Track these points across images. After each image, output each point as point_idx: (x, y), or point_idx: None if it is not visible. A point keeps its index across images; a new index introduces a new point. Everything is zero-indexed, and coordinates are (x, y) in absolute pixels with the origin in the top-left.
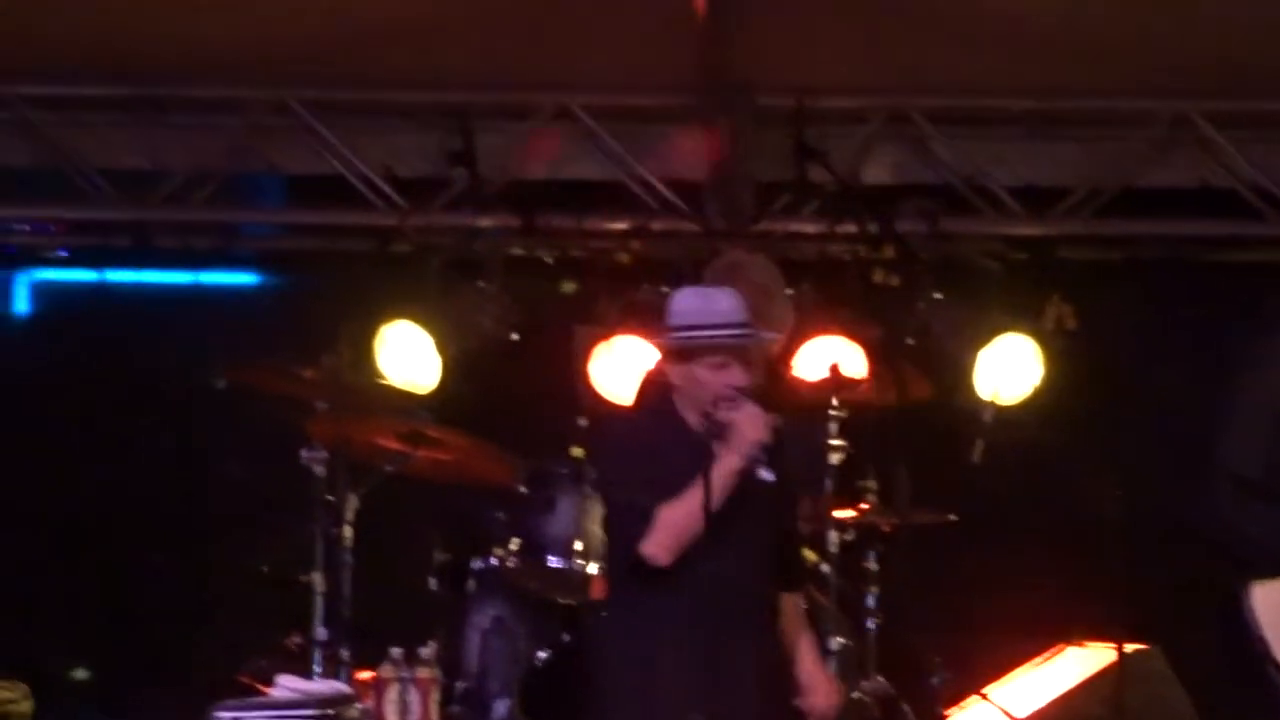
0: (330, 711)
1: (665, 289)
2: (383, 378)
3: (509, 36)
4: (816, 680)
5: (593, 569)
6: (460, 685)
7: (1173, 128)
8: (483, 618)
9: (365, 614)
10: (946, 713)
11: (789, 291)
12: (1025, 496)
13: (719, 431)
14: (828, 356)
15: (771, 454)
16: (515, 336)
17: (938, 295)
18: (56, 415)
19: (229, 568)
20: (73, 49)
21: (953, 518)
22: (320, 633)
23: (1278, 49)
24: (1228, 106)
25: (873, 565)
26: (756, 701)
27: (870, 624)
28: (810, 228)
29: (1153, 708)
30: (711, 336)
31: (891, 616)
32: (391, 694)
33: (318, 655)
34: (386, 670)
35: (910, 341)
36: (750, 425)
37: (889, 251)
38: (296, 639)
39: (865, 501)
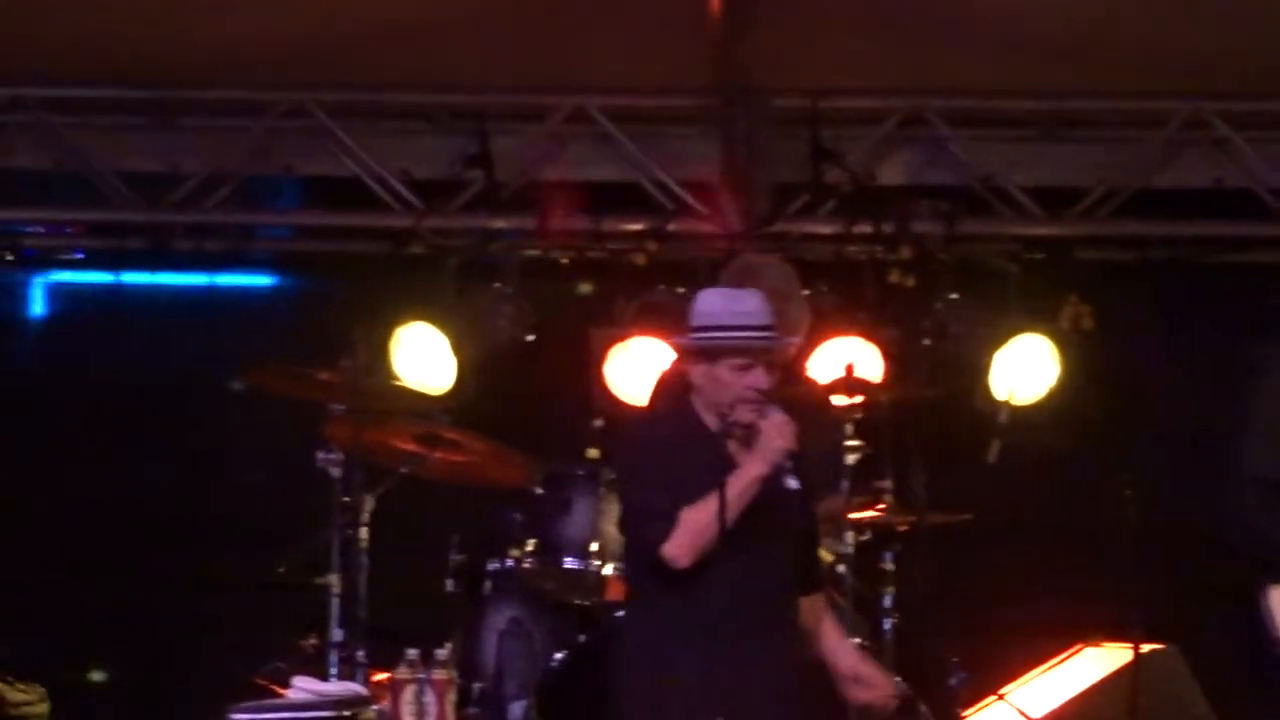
0: (346, 713)
1: (681, 290)
2: (399, 380)
3: (525, 39)
4: (865, 673)
5: (609, 570)
6: (476, 687)
7: (1188, 128)
8: (499, 619)
9: (381, 616)
10: (964, 713)
11: (805, 292)
12: (1041, 496)
13: (736, 433)
14: (844, 357)
15: (797, 461)
16: (531, 338)
17: (954, 296)
18: (72, 417)
19: (245, 569)
20: (89, 52)
21: (969, 518)
22: (336, 634)
23: None
24: (1243, 107)
25: (889, 566)
26: (775, 703)
27: (887, 624)
28: (826, 229)
29: (1169, 708)
30: (737, 338)
31: (908, 617)
32: (408, 695)
33: (334, 657)
34: (403, 672)
35: (927, 342)
36: (778, 433)
37: (905, 252)
38: (313, 641)
39: (882, 502)
